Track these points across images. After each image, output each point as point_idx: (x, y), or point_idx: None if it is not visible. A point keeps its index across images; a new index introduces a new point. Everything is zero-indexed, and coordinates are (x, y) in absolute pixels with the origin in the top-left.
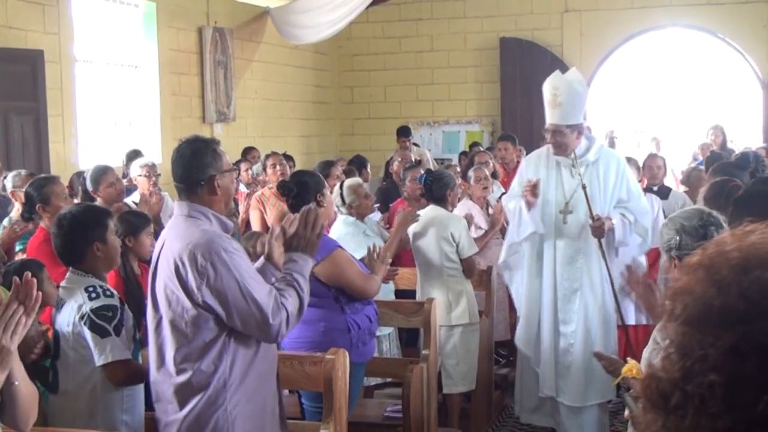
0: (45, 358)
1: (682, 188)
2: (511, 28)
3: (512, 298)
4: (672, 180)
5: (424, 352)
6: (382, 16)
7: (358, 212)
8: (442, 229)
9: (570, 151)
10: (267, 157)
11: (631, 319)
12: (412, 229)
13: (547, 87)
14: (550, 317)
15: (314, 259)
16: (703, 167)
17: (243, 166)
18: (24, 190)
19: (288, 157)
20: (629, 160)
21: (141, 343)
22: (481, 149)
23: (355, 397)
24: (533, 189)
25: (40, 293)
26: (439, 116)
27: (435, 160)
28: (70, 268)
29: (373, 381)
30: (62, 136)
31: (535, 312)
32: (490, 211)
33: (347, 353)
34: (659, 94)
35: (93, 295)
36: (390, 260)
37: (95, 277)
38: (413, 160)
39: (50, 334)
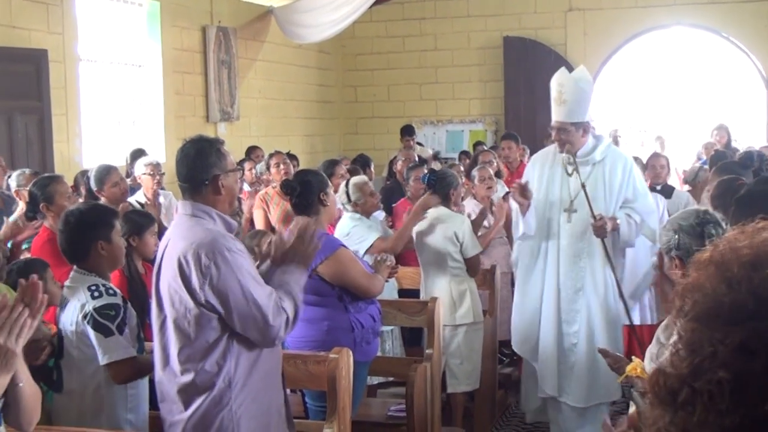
0: (49, 358)
1: (686, 187)
2: (515, 27)
3: None
4: (675, 179)
5: (427, 351)
6: (385, 15)
7: (364, 210)
8: (446, 228)
9: (576, 149)
10: (270, 156)
11: (636, 319)
12: (416, 229)
13: (554, 84)
14: (552, 317)
15: (308, 272)
16: (707, 167)
17: (247, 165)
18: (28, 189)
19: (292, 157)
20: (635, 159)
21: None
22: (485, 148)
23: (358, 396)
24: (521, 190)
25: (46, 296)
26: (442, 115)
27: (440, 159)
28: (74, 267)
29: (376, 380)
30: (66, 135)
31: (534, 312)
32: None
33: (351, 352)
34: (663, 93)
35: (96, 294)
36: (394, 259)
37: (99, 276)
38: (416, 159)
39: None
